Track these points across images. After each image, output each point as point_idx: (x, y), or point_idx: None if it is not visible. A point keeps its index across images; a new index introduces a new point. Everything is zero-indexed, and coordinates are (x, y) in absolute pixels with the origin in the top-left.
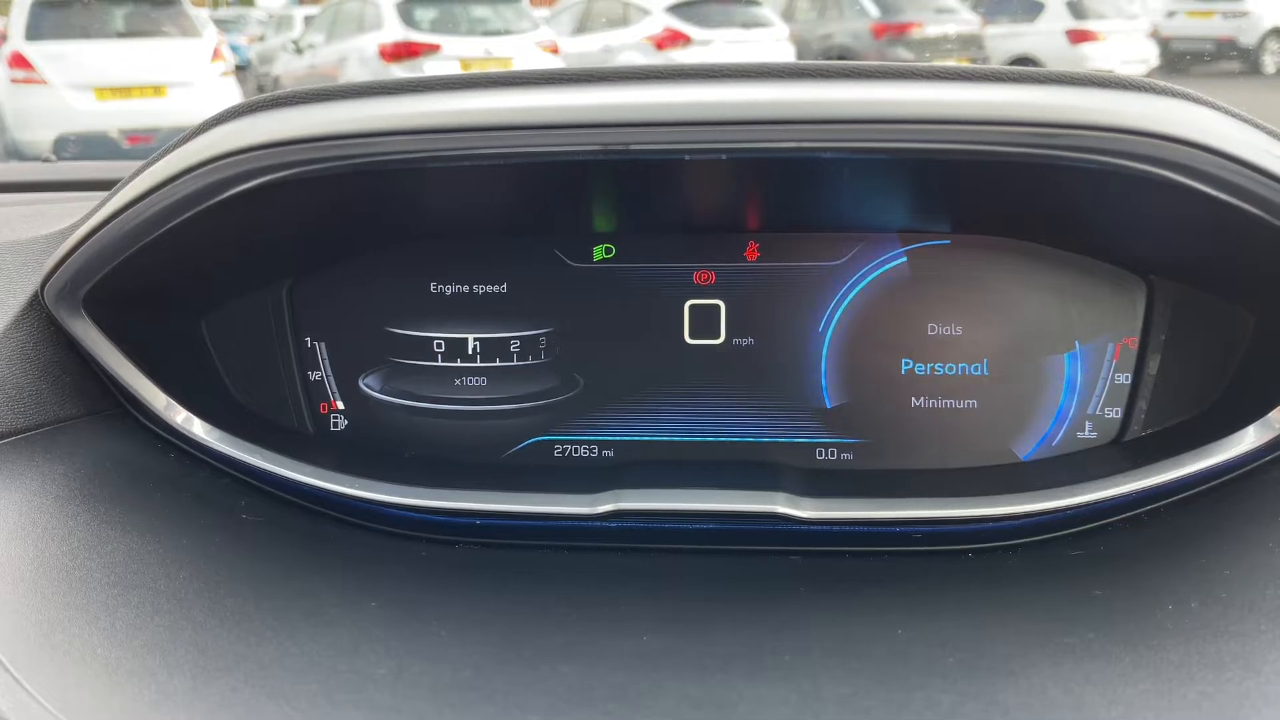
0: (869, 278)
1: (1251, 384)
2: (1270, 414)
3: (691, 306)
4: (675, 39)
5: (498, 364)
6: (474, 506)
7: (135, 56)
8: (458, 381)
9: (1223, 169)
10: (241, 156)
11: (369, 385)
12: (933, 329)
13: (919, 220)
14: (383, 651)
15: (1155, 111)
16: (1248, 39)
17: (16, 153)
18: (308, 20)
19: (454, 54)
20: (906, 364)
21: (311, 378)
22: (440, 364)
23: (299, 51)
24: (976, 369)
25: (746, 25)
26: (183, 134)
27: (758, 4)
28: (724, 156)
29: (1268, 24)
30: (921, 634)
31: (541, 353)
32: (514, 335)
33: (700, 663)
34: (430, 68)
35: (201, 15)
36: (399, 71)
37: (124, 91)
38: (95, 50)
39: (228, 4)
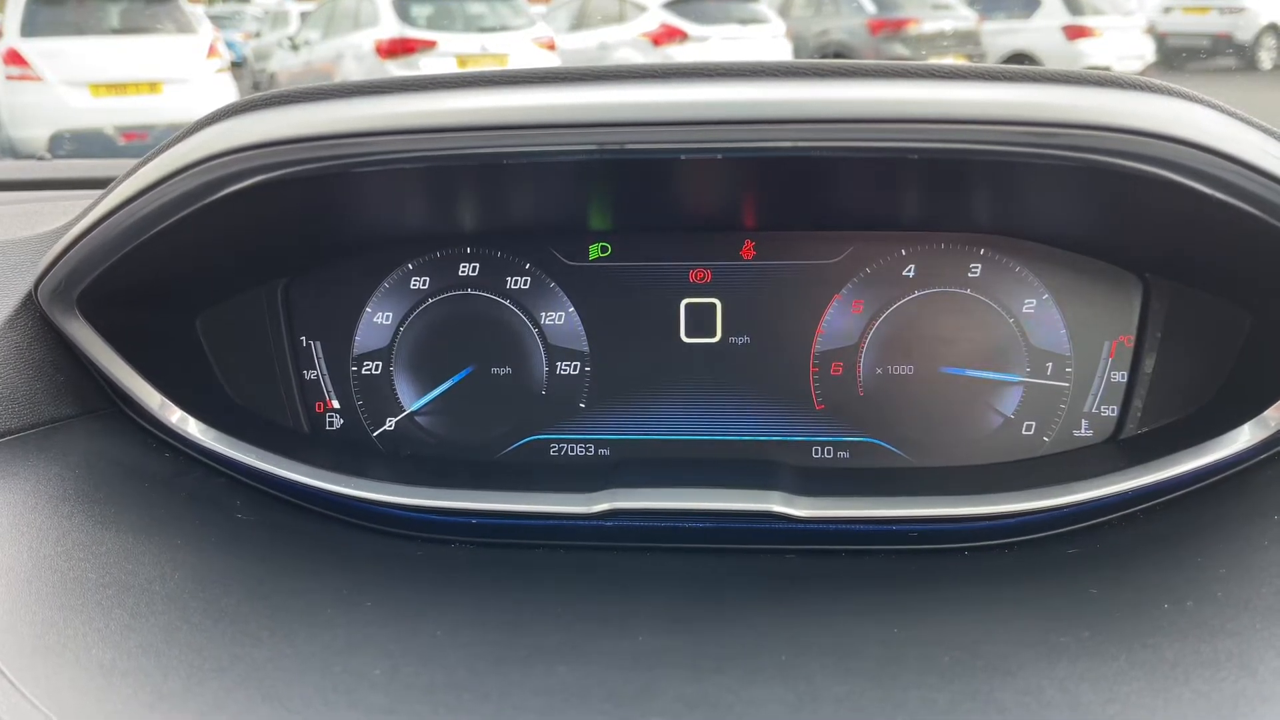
0: (865, 276)
1: (1247, 382)
2: (1265, 412)
3: (687, 305)
4: (672, 35)
5: (493, 363)
6: (469, 506)
7: (130, 53)
8: (453, 380)
9: (1220, 168)
10: (234, 157)
11: (364, 384)
12: (928, 327)
13: (915, 219)
14: (377, 652)
15: (1153, 111)
16: (1244, 35)
17: (11, 150)
18: (304, 17)
19: (450, 50)
20: (902, 362)
21: (307, 377)
22: (435, 363)
23: (295, 48)
24: (972, 367)
25: (743, 21)
26: (175, 134)
27: (754, 0)
28: (720, 156)
29: (1264, 20)
30: (917, 633)
31: (538, 352)
32: (510, 334)
33: (696, 663)
34: (426, 64)
35: (197, 12)
36: (395, 68)
37: (119, 88)
38: (90, 47)
39: (223, 0)
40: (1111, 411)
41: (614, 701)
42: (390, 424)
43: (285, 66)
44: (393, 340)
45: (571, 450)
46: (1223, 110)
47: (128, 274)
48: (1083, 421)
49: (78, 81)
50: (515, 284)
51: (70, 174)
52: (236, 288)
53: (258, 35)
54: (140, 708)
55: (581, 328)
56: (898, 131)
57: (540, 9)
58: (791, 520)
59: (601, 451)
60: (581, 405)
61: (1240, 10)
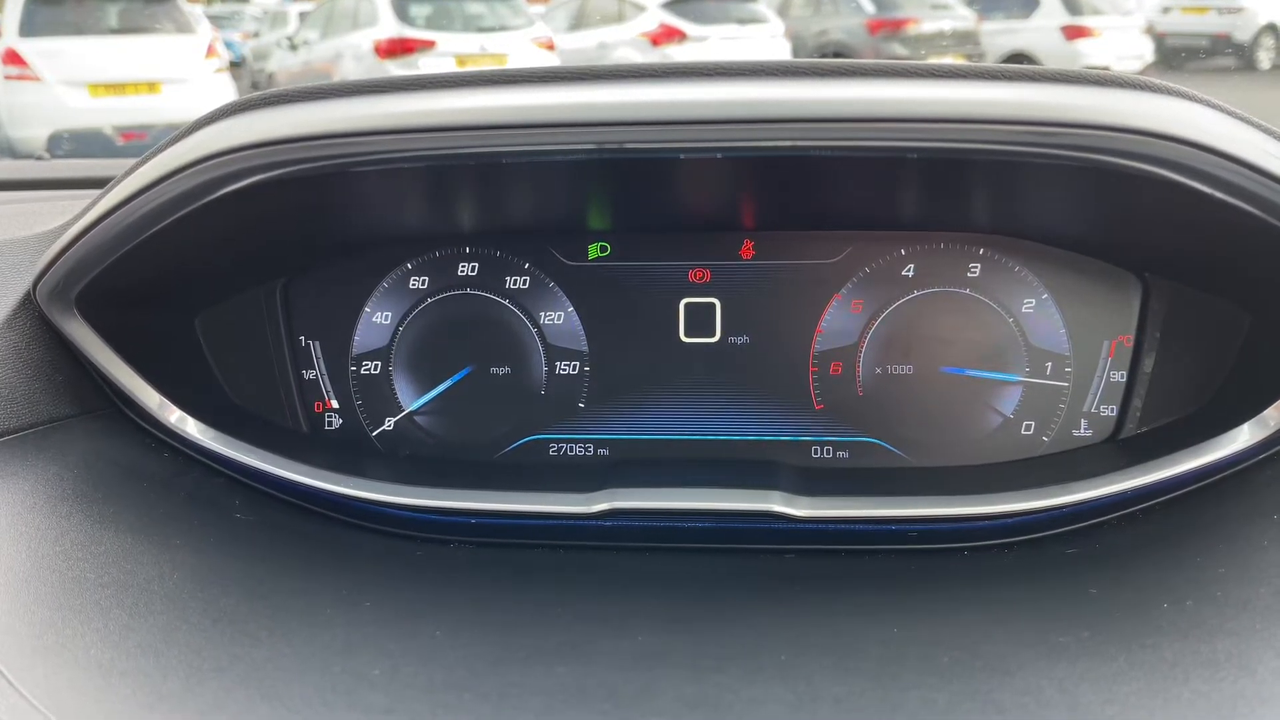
0: (864, 276)
1: (1246, 382)
2: (1265, 412)
3: (687, 305)
4: (671, 35)
5: (492, 362)
6: (469, 505)
7: (129, 53)
8: (452, 380)
9: (1220, 168)
10: (231, 156)
11: (363, 384)
12: (928, 327)
13: (914, 219)
14: (377, 652)
15: (1153, 110)
16: (1242, 35)
17: (10, 150)
18: (302, 17)
19: (449, 50)
20: (901, 362)
21: (306, 376)
22: (434, 363)
23: (294, 48)
24: (971, 367)
25: (742, 21)
26: (174, 133)
27: (753, 0)
28: (719, 155)
29: (1262, 20)
30: (916, 633)
31: (537, 352)
32: (509, 334)
33: (695, 662)
34: (425, 64)
35: (196, 11)
36: (394, 68)
37: (118, 88)
38: (89, 47)
39: (222, 0)
40: (1111, 411)
41: (614, 701)
42: (389, 424)
43: (284, 66)
44: (392, 340)
45: (571, 450)
46: (1222, 110)
47: (126, 273)
48: (1082, 421)
49: (76, 81)
50: (514, 284)
51: (69, 174)
52: (235, 287)
53: (256, 35)
54: (139, 708)
55: (581, 327)
56: (897, 131)
57: (539, 9)
58: (791, 520)
59: (601, 451)
60: (581, 405)
61: (1239, 10)
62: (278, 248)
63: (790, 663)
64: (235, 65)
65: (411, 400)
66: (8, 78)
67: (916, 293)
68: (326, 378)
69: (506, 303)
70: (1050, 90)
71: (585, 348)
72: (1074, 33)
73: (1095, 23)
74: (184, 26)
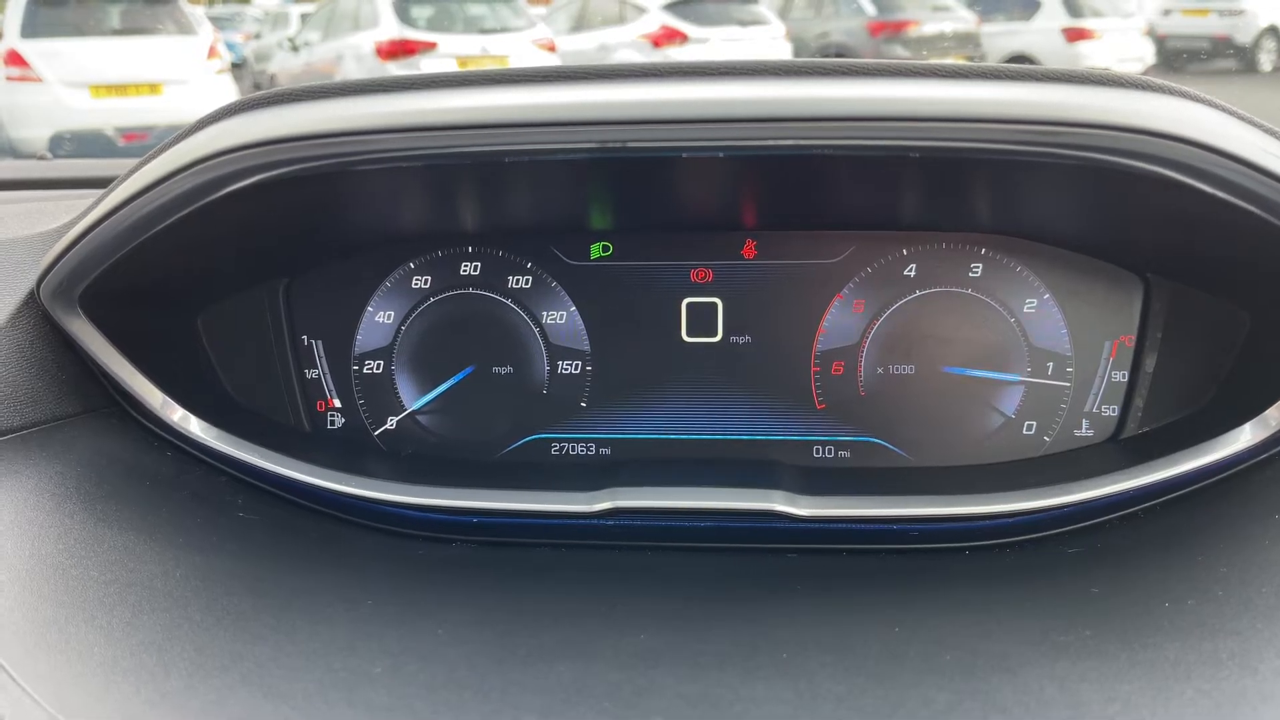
0: (866, 276)
1: (1247, 382)
2: (1266, 412)
3: (689, 304)
4: (672, 36)
5: (495, 362)
6: (471, 504)
7: (131, 54)
8: (454, 380)
9: (1222, 167)
10: (234, 155)
11: (365, 383)
12: (929, 327)
13: (916, 218)
14: (379, 650)
15: (1155, 109)
16: (1243, 37)
17: (11, 150)
18: (304, 18)
19: (450, 52)
20: (903, 362)
21: (308, 376)
22: (436, 362)
23: (295, 49)
24: (973, 367)
25: (743, 23)
26: (177, 132)
27: (754, 1)
28: (721, 154)
29: (1263, 22)
30: (918, 632)
31: (539, 351)
32: (511, 333)
33: (696, 661)
34: (426, 65)
35: (197, 12)
36: (395, 69)
37: (119, 89)
38: (90, 48)
39: (223, 1)
40: (1112, 411)
41: (615, 699)
42: (391, 423)
43: (285, 68)
44: (394, 339)
45: (573, 449)
46: (1223, 109)
47: (129, 272)
48: (1083, 421)
49: (78, 82)
50: (517, 283)
51: (71, 174)
52: (237, 286)
53: (258, 36)
54: (142, 705)
55: (583, 327)
56: (899, 130)
57: (540, 10)
58: (793, 519)
59: (603, 450)
60: (583, 404)
61: (1239, 13)
62: (280, 247)
63: (791, 661)
64: (236, 66)
65: (414, 399)
66: (9, 79)
67: (918, 292)
68: (329, 377)
69: (509, 302)
70: (1052, 90)
71: (587, 347)
72: (1075, 35)
73: (1096, 25)
74: (185, 28)
